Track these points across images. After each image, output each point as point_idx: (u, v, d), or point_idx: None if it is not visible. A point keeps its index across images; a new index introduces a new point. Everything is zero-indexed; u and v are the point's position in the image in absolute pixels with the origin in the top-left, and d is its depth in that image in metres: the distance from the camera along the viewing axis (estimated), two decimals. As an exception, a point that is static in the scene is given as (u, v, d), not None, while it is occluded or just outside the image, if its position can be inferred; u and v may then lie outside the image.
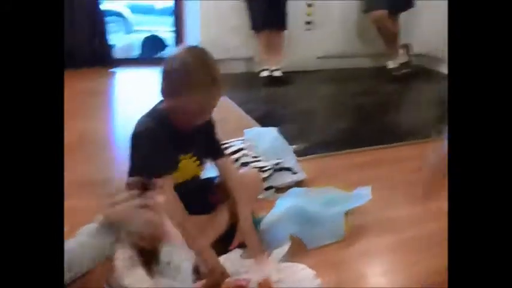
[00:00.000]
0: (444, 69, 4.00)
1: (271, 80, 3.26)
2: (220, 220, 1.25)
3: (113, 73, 3.35)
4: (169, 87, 1.11)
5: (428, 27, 3.82)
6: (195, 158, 1.24)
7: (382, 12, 3.36)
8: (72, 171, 1.63)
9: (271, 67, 3.29)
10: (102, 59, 3.31)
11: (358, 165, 1.93)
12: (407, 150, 2.15)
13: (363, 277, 1.25)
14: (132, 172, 1.17)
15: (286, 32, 3.29)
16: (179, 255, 0.85)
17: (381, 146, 2.16)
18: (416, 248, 1.36)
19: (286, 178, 1.64)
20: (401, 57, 3.64)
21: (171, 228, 0.93)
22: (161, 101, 1.16)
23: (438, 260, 1.30)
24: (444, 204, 1.58)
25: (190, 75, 1.07)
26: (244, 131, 1.98)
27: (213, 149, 1.30)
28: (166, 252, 0.84)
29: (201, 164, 1.28)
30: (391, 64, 3.69)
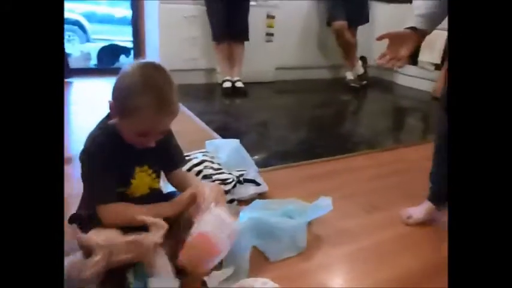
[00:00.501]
0: (397, 79, 4.19)
1: (233, 91, 3.28)
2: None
3: (69, 83, 3.25)
4: (116, 105, 1.07)
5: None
6: (151, 170, 1.22)
7: (342, 23, 3.51)
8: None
9: (233, 78, 3.31)
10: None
11: (316, 176, 1.96)
12: (364, 160, 2.22)
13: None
14: (86, 191, 1.14)
15: (246, 42, 3.33)
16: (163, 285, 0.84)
17: (337, 157, 2.21)
18: (374, 257, 1.40)
19: (250, 190, 1.64)
20: (359, 69, 3.79)
21: (160, 259, 0.91)
22: (109, 113, 1.14)
23: (397, 267, 1.35)
24: (397, 213, 1.66)
25: (135, 97, 1.02)
26: (206, 142, 1.97)
27: (168, 160, 1.28)
28: (152, 284, 0.83)
29: (158, 176, 1.26)
30: (349, 76, 3.83)
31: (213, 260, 1.07)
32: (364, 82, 3.82)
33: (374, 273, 1.31)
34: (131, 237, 0.96)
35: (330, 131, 2.75)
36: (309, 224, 1.45)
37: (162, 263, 0.90)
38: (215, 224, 1.08)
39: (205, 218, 1.08)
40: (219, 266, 1.23)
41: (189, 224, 1.10)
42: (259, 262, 1.30)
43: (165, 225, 1.03)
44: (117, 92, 1.07)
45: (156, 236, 0.98)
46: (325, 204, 1.42)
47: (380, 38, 1.38)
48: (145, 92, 1.02)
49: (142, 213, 1.07)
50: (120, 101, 1.05)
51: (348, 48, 3.68)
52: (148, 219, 1.04)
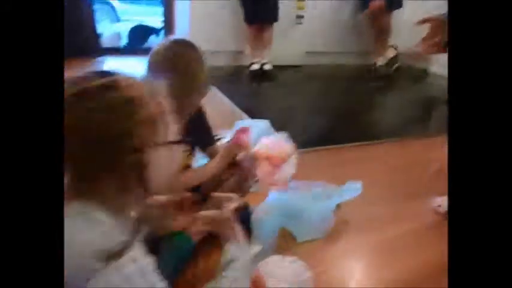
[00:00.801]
0: (430, 67, 4.07)
1: (261, 73, 3.27)
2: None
3: (100, 62, 3.31)
4: None
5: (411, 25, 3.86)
6: (184, 148, 1.24)
7: (380, 3, 3.41)
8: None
9: (261, 60, 3.30)
10: (90, 48, 3.26)
11: (341, 162, 1.95)
12: (389, 149, 2.19)
13: (345, 272, 1.27)
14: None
15: (276, 26, 3.30)
16: (241, 254, 0.88)
17: (364, 143, 2.19)
18: (398, 246, 1.39)
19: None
20: (389, 54, 3.71)
21: (236, 227, 0.95)
22: None
23: (418, 257, 1.34)
24: (423, 203, 1.63)
25: (162, 74, 1.02)
26: (236, 122, 1.98)
27: (203, 138, 1.29)
28: (230, 250, 0.87)
29: (192, 153, 1.28)
30: (380, 61, 3.74)
31: (282, 169, 1.11)
32: (396, 65, 3.72)
33: (397, 262, 1.31)
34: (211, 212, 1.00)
35: (357, 118, 2.71)
36: (336, 208, 1.45)
37: (238, 231, 0.93)
38: (269, 143, 1.11)
39: (259, 144, 1.12)
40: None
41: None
42: (286, 242, 1.31)
43: (237, 197, 1.05)
44: (147, 69, 1.08)
45: (231, 206, 1.00)
46: (354, 187, 1.41)
47: (422, 22, 1.33)
48: (171, 70, 1.03)
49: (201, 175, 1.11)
50: (155, 76, 1.05)
51: (381, 32, 3.60)
52: (224, 195, 1.06)
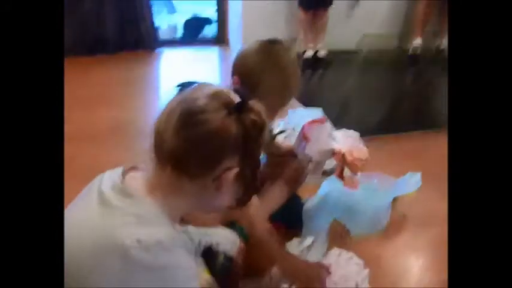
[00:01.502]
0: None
1: (315, 60, 3.20)
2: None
3: (158, 54, 3.42)
4: (241, 82, 1.01)
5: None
6: None
7: None
8: (114, 152, 1.68)
9: (316, 46, 3.23)
10: (148, 41, 3.38)
11: (400, 152, 1.86)
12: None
13: (401, 270, 1.22)
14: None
15: (331, 9, 3.21)
16: None
17: (420, 132, 2.10)
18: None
19: (333, 160, 1.60)
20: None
21: None
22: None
23: None
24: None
25: (266, 76, 0.99)
26: (288, 111, 1.96)
27: None
28: None
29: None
30: (443, 44, 3.51)
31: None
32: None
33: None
34: None
35: (415, 105, 2.58)
36: (394, 201, 1.38)
37: None
38: (351, 147, 1.13)
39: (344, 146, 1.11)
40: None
41: None
42: (339, 235, 1.28)
43: None
44: (242, 69, 1.03)
45: None
46: (413, 180, 1.35)
47: None
48: (268, 71, 1.00)
49: None
50: (247, 79, 1.00)
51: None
52: None
